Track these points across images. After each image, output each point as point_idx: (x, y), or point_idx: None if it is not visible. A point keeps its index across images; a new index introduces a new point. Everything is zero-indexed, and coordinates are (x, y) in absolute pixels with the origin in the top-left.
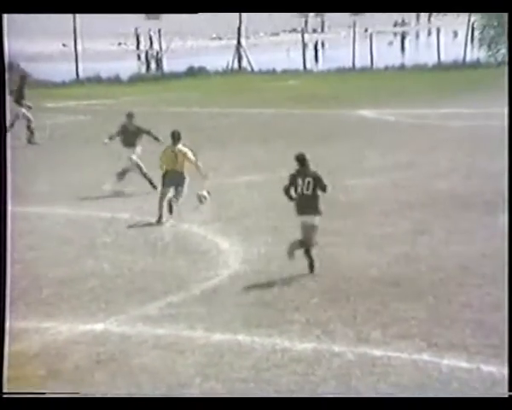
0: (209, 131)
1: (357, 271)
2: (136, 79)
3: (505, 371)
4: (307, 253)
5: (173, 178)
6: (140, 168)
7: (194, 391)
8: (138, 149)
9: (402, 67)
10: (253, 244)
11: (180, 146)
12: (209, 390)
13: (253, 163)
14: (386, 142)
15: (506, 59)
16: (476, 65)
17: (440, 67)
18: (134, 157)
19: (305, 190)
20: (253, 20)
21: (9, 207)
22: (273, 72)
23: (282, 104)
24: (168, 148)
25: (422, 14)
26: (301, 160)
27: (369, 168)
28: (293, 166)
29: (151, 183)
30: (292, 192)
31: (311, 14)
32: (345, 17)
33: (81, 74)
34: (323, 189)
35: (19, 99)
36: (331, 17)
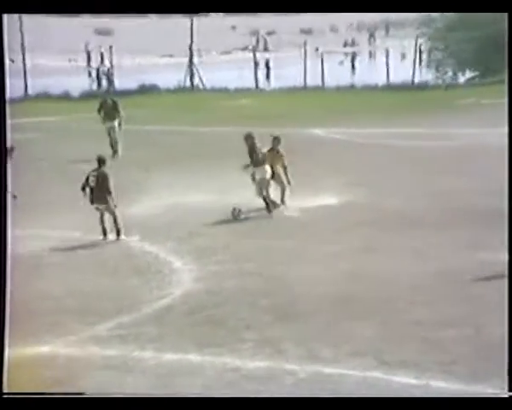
0: (162, 148)
1: (308, 289)
2: (87, 96)
3: (455, 386)
4: None
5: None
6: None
7: None
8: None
9: (352, 86)
10: (206, 263)
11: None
12: None
13: (206, 182)
14: (337, 161)
15: (453, 81)
16: (424, 86)
17: (390, 87)
18: (267, 176)
19: None
20: (204, 38)
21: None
22: (225, 90)
23: (234, 122)
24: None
25: (372, 35)
26: None
27: (319, 187)
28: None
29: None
30: None
31: (262, 33)
32: (296, 36)
33: (30, 91)
34: None
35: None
36: (282, 36)
